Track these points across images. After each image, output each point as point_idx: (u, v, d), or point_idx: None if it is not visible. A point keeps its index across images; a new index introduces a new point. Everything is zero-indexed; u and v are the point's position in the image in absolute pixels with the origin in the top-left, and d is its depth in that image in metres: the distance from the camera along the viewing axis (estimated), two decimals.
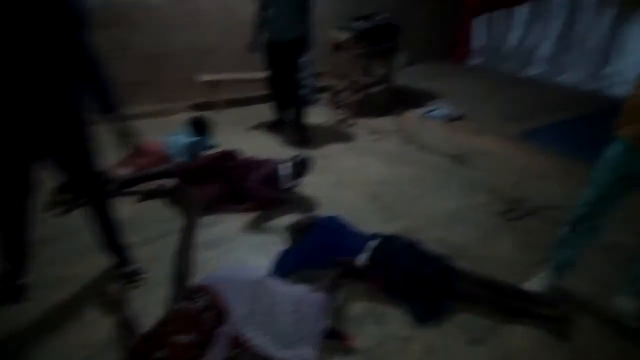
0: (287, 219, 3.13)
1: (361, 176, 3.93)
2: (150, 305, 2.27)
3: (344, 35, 5.13)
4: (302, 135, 4.61)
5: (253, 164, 3.42)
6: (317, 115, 5.38)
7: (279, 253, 2.65)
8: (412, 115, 5.30)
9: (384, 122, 5.20)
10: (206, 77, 5.28)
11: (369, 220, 3.04)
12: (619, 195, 2.15)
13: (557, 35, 6.59)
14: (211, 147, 4.25)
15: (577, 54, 6.42)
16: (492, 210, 3.37)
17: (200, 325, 1.69)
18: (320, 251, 2.60)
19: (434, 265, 2.45)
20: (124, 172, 3.58)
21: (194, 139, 4.08)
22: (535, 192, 3.62)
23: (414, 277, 2.39)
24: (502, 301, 2.35)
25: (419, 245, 2.62)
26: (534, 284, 2.49)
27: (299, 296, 2.09)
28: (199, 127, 4.22)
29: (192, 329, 1.66)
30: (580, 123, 4.81)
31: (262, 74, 4.81)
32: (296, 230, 2.82)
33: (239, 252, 2.86)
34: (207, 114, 4.69)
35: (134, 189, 3.49)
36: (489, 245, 2.95)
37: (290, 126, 4.77)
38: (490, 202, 3.49)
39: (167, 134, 4.13)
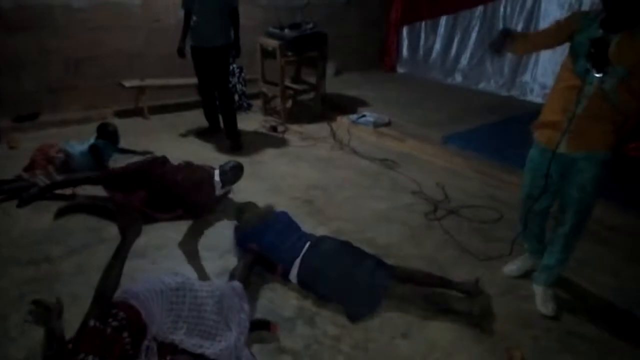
0: (220, 226, 3.15)
1: (294, 181, 3.99)
2: (74, 319, 2.19)
3: (273, 43, 5.20)
4: (234, 142, 4.61)
5: (185, 171, 3.37)
6: (249, 122, 5.40)
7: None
8: (343, 122, 5.46)
9: (316, 129, 5.31)
10: (133, 83, 5.14)
11: (302, 224, 3.10)
12: (547, 188, 2.40)
13: (476, 45, 7.07)
14: (121, 152, 4.18)
15: (494, 63, 6.92)
16: (417, 211, 3.56)
17: (114, 348, 1.61)
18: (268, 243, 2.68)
19: (365, 263, 2.55)
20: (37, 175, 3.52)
21: (96, 143, 3.93)
22: (456, 193, 3.87)
23: (347, 277, 2.47)
24: (429, 291, 2.53)
25: (350, 245, 2.73)
26: (512, 267, 2.83)
27: (219, 290, 2.10)
28: (106, 133, 4.07)
29: (105, 352, 1.58)
30: (496, 128, 5.18)
31: (189, 80, 4.77)
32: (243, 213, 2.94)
33: (169, 261, 2.82)
34: (115, 122, 4.56)
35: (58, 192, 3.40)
36: (414, 244, 3.11)
37: (222, 133, 4.75)
38: (415, 203, 3.69)
39: (69, 141, 4.01)
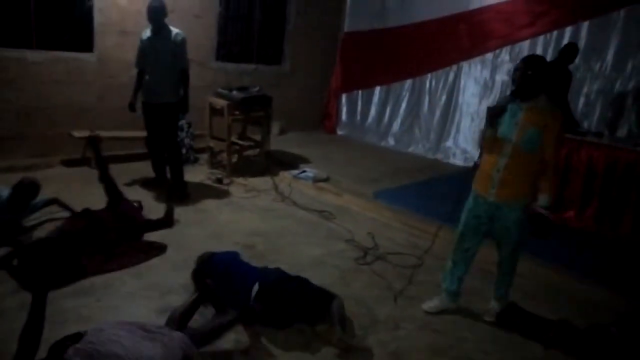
0: (160, 267, 3.35)
1: (236, 228, 4.27)
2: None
3: (222, 102, 5.62)
4: (181, 192, 4.85)
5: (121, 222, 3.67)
6: (196, 174, 5.67)
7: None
8: (285, 176, 5.86)
9: (259, 182, 5.66)
10: (81, 133, 5.31)
11: None
12: (476, 231, 3.00)
13: (406, 113, 7.88)
14: (42, 205, 3.91)
15: (422, 129, 7.71)
16: (349, 256, 3.93)
17: None
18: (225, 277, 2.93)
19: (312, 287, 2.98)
20: None
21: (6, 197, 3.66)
22: (384, 241, 4.29)
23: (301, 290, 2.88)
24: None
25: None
26: (430, 304, 3.21)
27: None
28: (20, 188, 3.64)
29: None
30: (422, 186, 5.78)
31: (139, 133, 5.03)
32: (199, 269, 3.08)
33: (114, 300, 2.97)
34: (60, 171, 4.70)
35: None
36: (344, 285, 3.44)
37: (167, 183, 4.98)
38: (347, 250, 4.06)
39: None
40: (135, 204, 4.05)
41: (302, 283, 3.01)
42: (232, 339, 2.70)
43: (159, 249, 3.68)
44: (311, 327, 2.84)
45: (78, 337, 2.04)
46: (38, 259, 3.07)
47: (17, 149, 5.16)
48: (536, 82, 2.71)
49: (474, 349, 2.86)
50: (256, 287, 2.89)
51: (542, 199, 2.80)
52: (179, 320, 2.53)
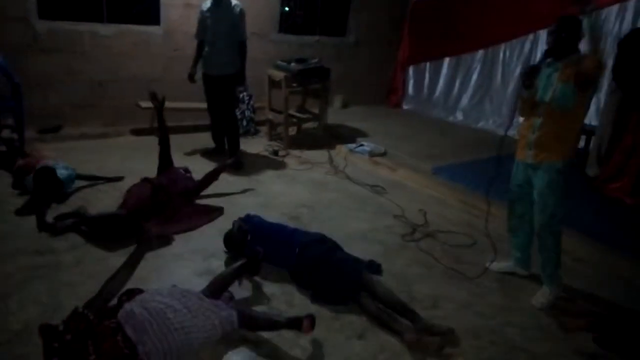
0: (205, 232, 3.47)
1: (285, 199, 4.29)
2: (70, 306, 2.46)
3: (279, 75, 5.62)
4: (237, 162, 4.96)
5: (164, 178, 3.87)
6: (254, 146, 5.78)
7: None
8: (341, 150, 5.79)
9: (315, 155, 5.64)
10: (148, 104, 5.55)
11: None
12: (522, 198, 3.03)
13: (476, 86, 7.41)
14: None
15: (493, 103, 7.23)
16: (396, 232, 3.81)
17: (104, 344, 1.78)
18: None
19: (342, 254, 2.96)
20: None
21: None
22: (436, 219, 4.10)
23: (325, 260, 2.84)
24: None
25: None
26: (496, 264, 3.26)
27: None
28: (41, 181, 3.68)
29: (92, 342, 1.76)
30: (485, 163, 5.41)
31: (203, 104, 5.18)
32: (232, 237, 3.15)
33: (162, 260, 3.11)
34: (130, 139, 4.98)
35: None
36: (386, 261, 3.32)
37: (226, 154, 5.12)
38: (395, 226, 3.94)
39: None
40: (181, 170, 4.18)
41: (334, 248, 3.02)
42: (265, 307, 2.73)
43: (218, 210, 3.88)
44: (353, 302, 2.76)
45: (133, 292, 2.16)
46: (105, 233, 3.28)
47: (90, 118, 5.55)
48: (570, 42, 2.70)
49: (516, 334, 2.67)
50: (297, 249, 2.92)
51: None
52: (220, 285, 2.58)
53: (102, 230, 3.29)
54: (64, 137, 5.32)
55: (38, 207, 3.45)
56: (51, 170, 3.73)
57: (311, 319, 2.35)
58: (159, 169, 4.04)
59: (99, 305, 1.94)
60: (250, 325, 2.39)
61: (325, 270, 2.82)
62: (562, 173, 2.80)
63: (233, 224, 3.19)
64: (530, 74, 2.72)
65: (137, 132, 5.72)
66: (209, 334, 2.11)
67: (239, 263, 2.68)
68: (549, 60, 2.75)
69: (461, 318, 2.77)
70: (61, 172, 3.84)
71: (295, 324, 2.36)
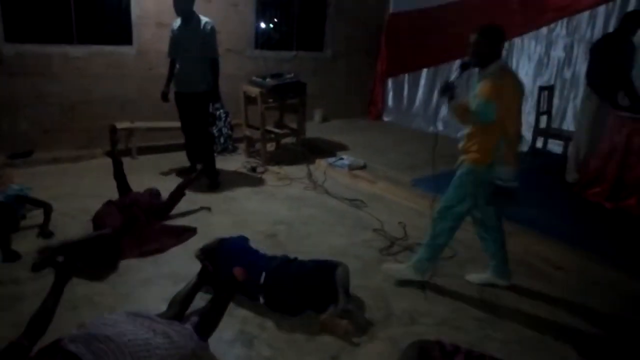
0: (180, 256, 3.35)
1: (262, 217, 4.20)
2: None
3: (255, 90, 5.57)
4: (212, 180, 4.87)
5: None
6: (232, 163, 5.69)
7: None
8: (320, 164, 5.72)
9: (294, 170, 5.57)
10: (122, 125, 5.47)
11: None
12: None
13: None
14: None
15: None
16: (374, 247, 3.73)
17: None
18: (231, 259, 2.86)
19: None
20: None
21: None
22: (416, 232, 4.03)
23: (303, 284, 2.75)
24: None
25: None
26: (474, 275, 3.25)
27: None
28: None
29: None
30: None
31: (175, 124, 5.10)
32: (205, 252, 3.00)
33: (126, 287, 2.99)
34: (104, 161, 4.84)
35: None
36: (364, 277, 3.25)
37: (201, 172, 5.01)
38: (374, 240, 3.86)
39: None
40: (150, 191, 4.12)
41: (301, 263, 2.93)
42: (237, 330, 2.63)
43: (190, 231, 3.77)
44: (319, 313, 2.70)
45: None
46: (90, 255, 3.13)
47: (62, 141, 5.43)
48: (486, 54, 2.73)
49: (497, 349, 2.58)
50: (263, 275, 2.80)
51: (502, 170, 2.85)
52: (179, 305, 2.50)
53: (91, 254, 3.13)
54: (35, 161, 5.18)
55: (1, 238, 3.31)
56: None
57: (240, 269, 2.48)
58: (119, 195, 3.95)
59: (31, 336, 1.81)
60: (210, 324, 2.32)
61: (300, 282, 2.75)
62: (470, 174, 2.88)
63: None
64: (445, 91, 2.72)
65: (111, 154, 5.59)
66: (168, 352, 2.01)
67: (193, 280, 2.64)
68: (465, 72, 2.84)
69: (440, 333, 2.68)
70: (8, 196, 3.67)
71: (230, 282, 2.45)
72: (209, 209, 4.24)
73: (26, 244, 3.41)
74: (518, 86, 2.76)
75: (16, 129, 5.15)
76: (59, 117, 5.38)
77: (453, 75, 2.82)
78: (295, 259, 3.03)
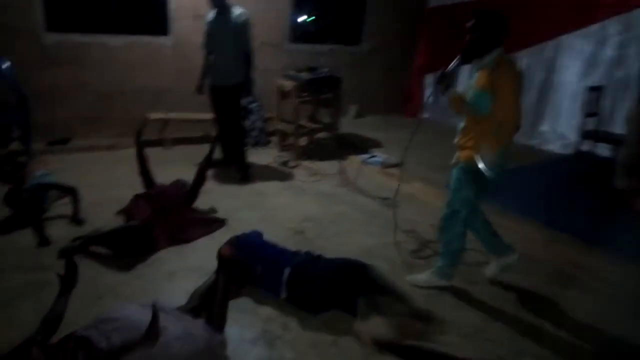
0: (208, 249, 3.32)
1: (291, 213, 4.13)
2: None
3: (289, 84, 5.49)
4: (243, 173, 4.83)
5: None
6: (264, 156, 5.65)
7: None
8: (353, 161, 5.60)
9: (326, 166, 5.47)
10: (156, 116, 5.52)
11: None
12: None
13: None
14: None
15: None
16: (405, 249, 3.60)
17: None
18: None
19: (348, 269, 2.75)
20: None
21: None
22: None
23: (332, 283, 2.65)
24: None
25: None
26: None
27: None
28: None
29: None
30: (508, 175, 5.16)
31: (210, 115, 5.09)
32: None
33: (152, 277, 2.98)
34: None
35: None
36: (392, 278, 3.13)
37: (233, 164, 4.99)
38: (405, 241, 3.72)
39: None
40: (176, 183, 4.10)
41: (329, 260, 2.84)
42: (260, 328, 2.56)
43: (219, 222, 3.77)
44: (346, 313, 2.62)
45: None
46: (122, 245, 3.19)
47: (98, 130, 5.52)
48: (484, 43, 2.59)
49: None
50: (287, 271, 2.72)
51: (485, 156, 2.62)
52: (199, 299, 2.46)
53: (120, 244, 3.19)
54: (72, 149, 5.30)
55: (36, 223, 3.38)
56: (19, 190, 3.61)
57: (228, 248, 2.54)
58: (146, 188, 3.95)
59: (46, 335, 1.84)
60: (216, 314, 2.26)
61: (328, 279, 2.67)
62: (469, 172, 2.73)
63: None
64: (441, 80, 2.61)
65: (146, 144, 5.63)
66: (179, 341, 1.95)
67: (213, 276, 2.56)
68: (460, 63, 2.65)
69: (469, 346, 2.53)
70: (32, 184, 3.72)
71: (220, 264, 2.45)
72: (223, 221, 3.86)
73: (56, 230, 3.46)
74: (515, 77, 2.57)
75: (55, 116, 5.27)
76: (96, 106, 5.48)
77: (451, 65, 2.63)
78: (319, 256, 2.93)
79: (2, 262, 3.02)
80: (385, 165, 5.32)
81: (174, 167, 5.02)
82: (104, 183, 4.44)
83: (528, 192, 4.51)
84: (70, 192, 3.77)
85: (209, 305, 2.29)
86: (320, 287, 2.67)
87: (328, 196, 4.61)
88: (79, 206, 3.72)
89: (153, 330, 1.80)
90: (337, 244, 3.58)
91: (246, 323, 2.60)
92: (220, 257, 2.88)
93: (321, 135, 6.28)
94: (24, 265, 3.01)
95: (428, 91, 8.17)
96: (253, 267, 2.77)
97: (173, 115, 5.64)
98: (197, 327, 2.10)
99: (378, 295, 2.60)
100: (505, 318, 2.79)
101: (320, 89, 5.59)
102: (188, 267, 3.14)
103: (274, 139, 6.26)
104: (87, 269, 2.98)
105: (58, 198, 3.86)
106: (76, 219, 3.61)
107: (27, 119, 4.63)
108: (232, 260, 2.72)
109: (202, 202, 4.04)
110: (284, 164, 5.44)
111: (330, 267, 2.76)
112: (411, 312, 2.56)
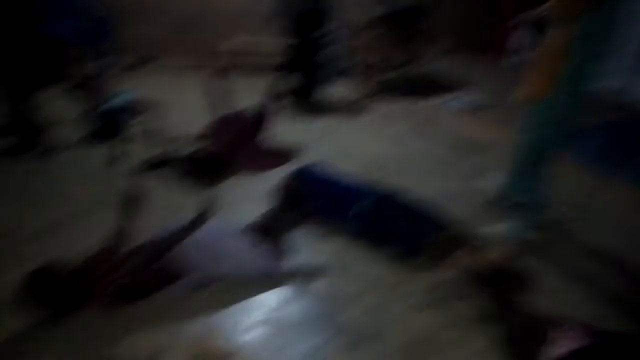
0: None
1: (362, 150, 3.97)
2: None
3: (371, 15, 5.14)
4: (316, 104, 4.70)
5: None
6: (340, 89, 5.44)
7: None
8: (433, 101, 5.23)
9: (404, 105, 5.16)
10: (227, 47, 5.44)
11: None
12: None
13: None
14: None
15: (620, 61, 6.04)
16: (483, 198, 3.31)
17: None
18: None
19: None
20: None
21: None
22: None
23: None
24: None
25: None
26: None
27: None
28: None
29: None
30: (597, 129, 4.61)
31: (286, 42, 4.89)
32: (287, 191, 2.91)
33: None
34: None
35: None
36: (472, 229, 2.89)
37: (307, 94, 4.84)
38: (486, 190, 3.42)
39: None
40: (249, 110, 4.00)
41: (404, 199, 2.71)
42: (324, 260, 2.49)
43: (289, 154, 3.72)
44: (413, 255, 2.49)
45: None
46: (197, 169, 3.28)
47: (173, 51, 5.57)
48: None
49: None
50: (360, 206, 2.64)
51: None
52: (259, 229, 2.47)
53: (195, 169, 3.26)
54: (150, 69, 5.43)
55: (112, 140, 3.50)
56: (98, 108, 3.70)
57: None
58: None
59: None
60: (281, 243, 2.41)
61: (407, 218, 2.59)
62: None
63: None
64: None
65: (220, 69, 5.63)
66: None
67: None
68: None
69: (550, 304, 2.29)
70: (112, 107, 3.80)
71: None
72: (297, 153, 3.78)
73: (133, 148, 3.57)
74: None
75: (138, 37, 5.36)
76: (179, 27, 5.52)
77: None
78: (394, 193, 2.78)
79: (81, 172, 3.16)
80: (471, 108, 4.91)
81: (252, 95, 4.95)
82: (184, 104, 4.45)
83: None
84: (147, 110, 3.82)
85: (271, 232, 2.29)
86: (400, 223, 2.58)
87: (404, 136, 4.35)
88: (156, 125, 3.78)
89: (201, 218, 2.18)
90: (417, 184, 3.33)
91: (310, 256, 2.53)
92: (282, 188, 2.83)
93: (402, 71, 5.88)
94: (99, 178, 3.13)
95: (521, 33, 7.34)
96: (315, 199, 2.68)
97: (249, 39, 5.53)
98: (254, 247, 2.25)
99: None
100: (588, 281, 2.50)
101: (402, 22, 5.16)
102: (255, 195, 3.09)
103: (350, 72, 5.97)
104: (158, 188, 3.04)
105: (136, 116, 3.93)
106: (152, 139, 3.69)
107: (108, 37, 4.73)
108: (293, 191, 2.66)
109: (274, 134, 3.95)
110: (360, 99, 5.19)
111: (408, 205, 2.68)
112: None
